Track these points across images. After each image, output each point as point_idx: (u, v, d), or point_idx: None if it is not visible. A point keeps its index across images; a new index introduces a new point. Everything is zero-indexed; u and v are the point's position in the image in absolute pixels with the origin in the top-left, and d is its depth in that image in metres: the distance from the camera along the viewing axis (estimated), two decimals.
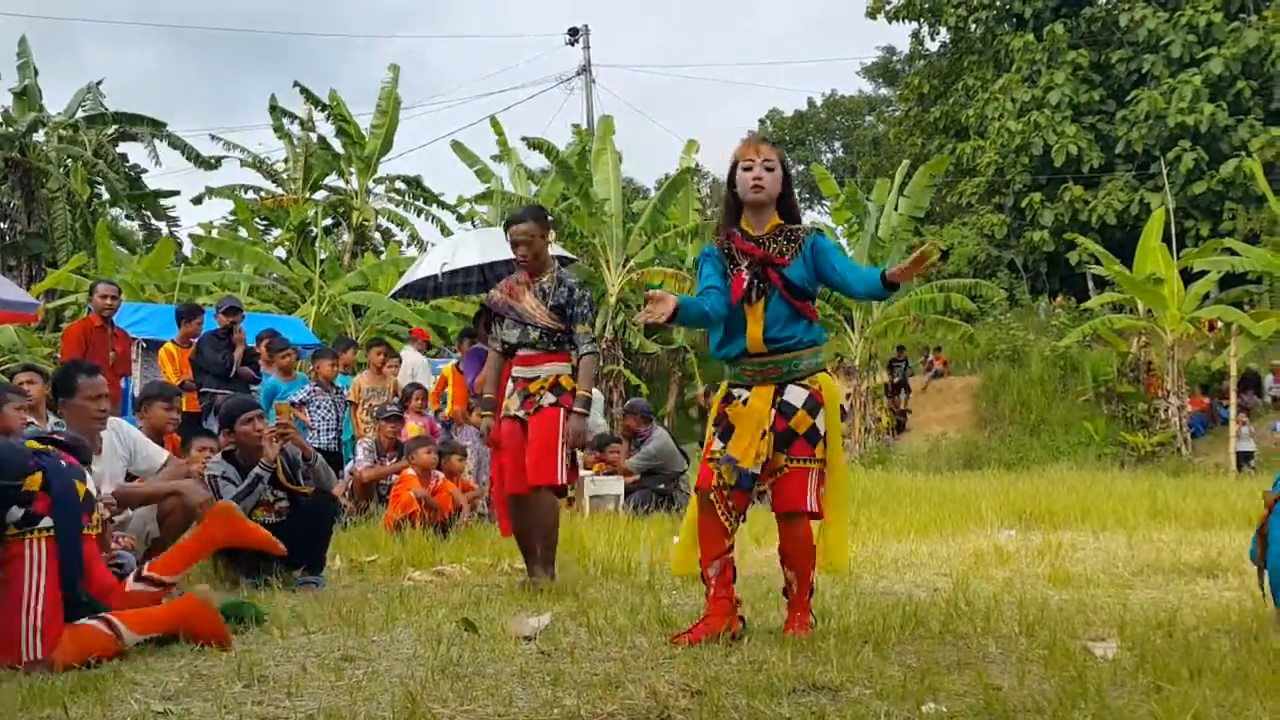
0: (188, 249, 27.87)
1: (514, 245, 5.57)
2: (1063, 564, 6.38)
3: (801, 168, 52.23)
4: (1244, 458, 19.13)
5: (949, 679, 3.37)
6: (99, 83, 28.11)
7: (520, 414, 5.46)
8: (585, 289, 5.61)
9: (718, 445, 4.12)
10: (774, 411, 4.11)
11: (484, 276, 10.83)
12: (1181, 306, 20.60)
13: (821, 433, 4.13)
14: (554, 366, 5.50)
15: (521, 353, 5.56)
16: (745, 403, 4.13)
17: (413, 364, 12.20)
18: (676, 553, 4.48)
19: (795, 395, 4.12)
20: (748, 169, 4.18)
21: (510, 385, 5.57)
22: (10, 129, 25.65)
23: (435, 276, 10.37)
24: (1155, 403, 21.46)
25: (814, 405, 4.13)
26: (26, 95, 25.92)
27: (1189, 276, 21.11)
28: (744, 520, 4.19)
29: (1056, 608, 4.75)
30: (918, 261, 3.86)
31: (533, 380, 5.48)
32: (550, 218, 5.86)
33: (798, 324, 4.14)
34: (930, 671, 3.41)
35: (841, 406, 16.40)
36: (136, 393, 10.14)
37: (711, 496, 4.05)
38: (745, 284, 4.15)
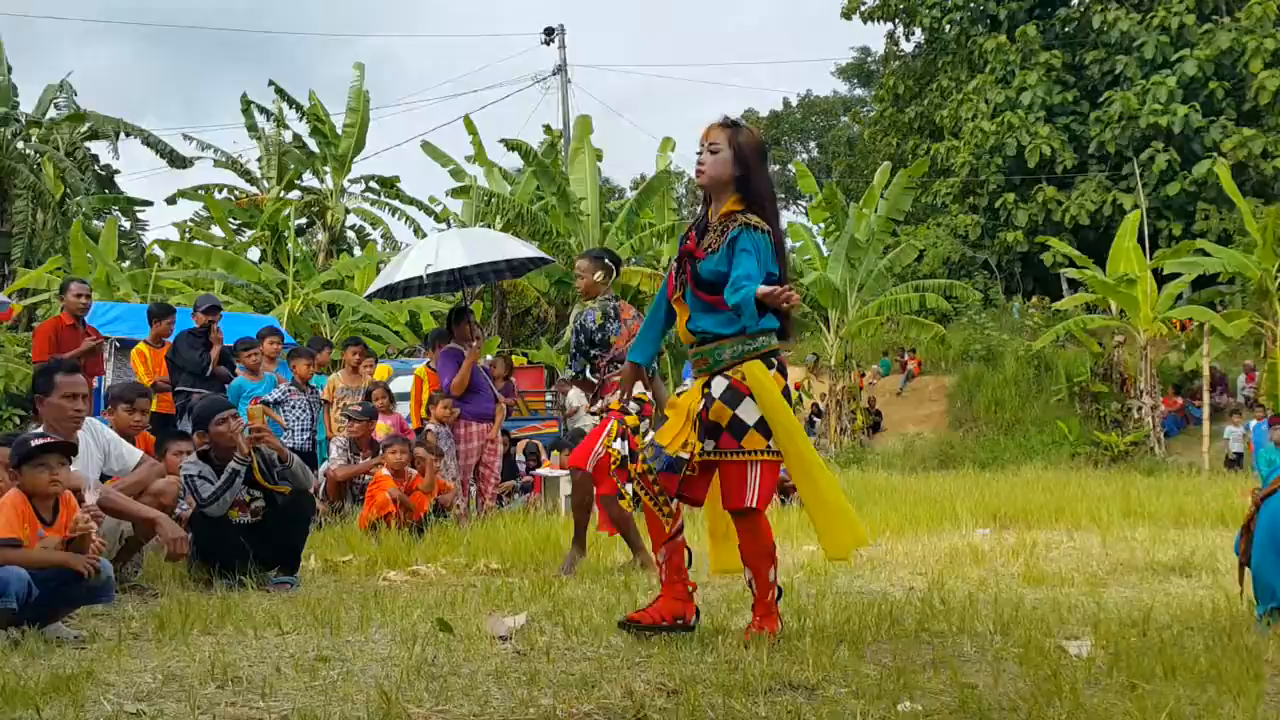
0: (157, 253, 27.66)
1: (576, 277, 6.46)
2: (1037, 563, 6.41)
3: (776, 167, 52.48)
4: (1235, 460, 19.07)
5: (924, 677, 3.38)
6: (68, 76, 27.93)
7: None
8: (584, 319, 6.24)
9: (649, 435, 4.17)
10: (701, 403, 4.04)
11: (463, 275, 10.73)
12: (1154, 307, 20.75)
13: (748, 424, 3.96)
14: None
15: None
16: (679, 394, 4.14)
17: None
18: (712, 551, 4.37)
19: (716, 386, 4.01)
20: (697, 153, 4.13)
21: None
22: None
23: (420, 278, 10.31)
24: (1128, 402, 21.61)
25: (733, 396, 3.97)
26: None
27: (1162, 277, 21.27)
28: (676, 503, 4.11)
29: (1031, 606, 4.77)
30: (776, 297, 3.77)
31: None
32: (608, 261, 6.42)
33: (710, 317, 4.04)
34: (906, 670, 3.42)
35: (816, 405, 16.44)
36: None
37: (636, 487, 4.08)
38: (675, 273, 4.16)
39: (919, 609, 4.59)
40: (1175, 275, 21.05)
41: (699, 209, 4.28)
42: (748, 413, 3.95)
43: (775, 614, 4.05)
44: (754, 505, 3.95)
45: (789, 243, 29.42)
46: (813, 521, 4.13)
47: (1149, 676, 3.34)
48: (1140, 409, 21.26)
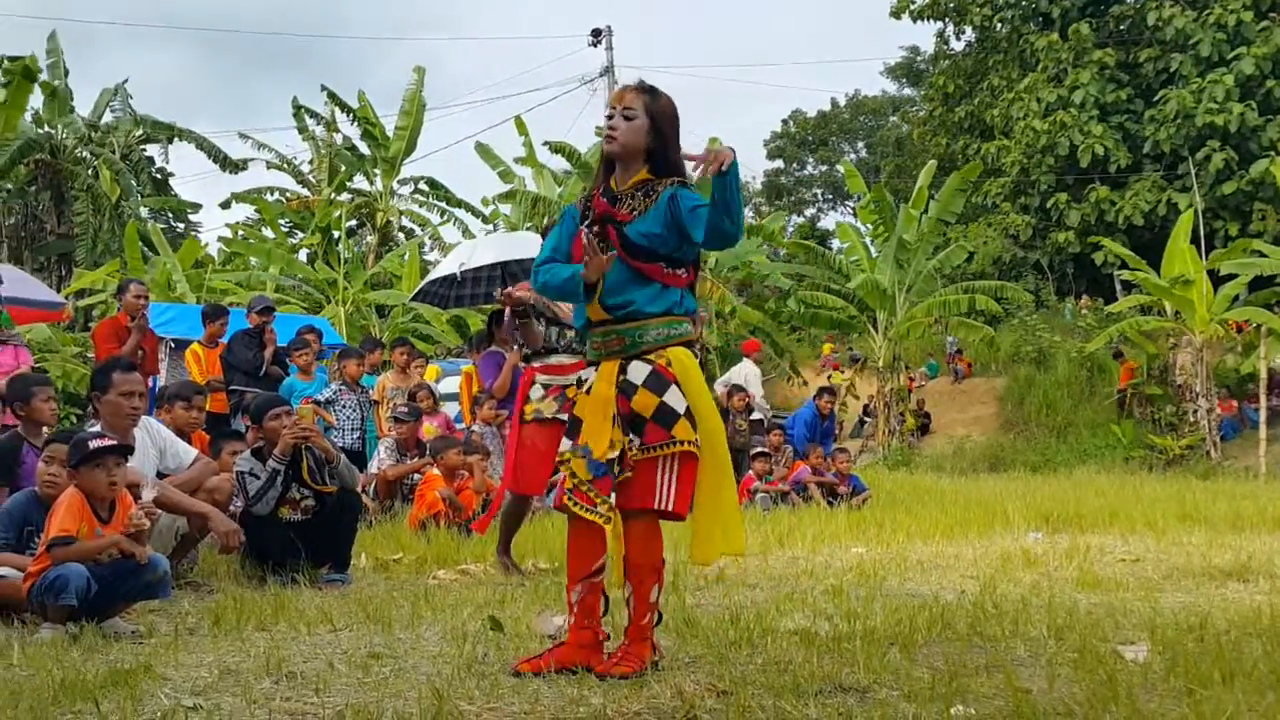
0: (214, 250, 28.11)
1: None
2: (1091, 567, 6.33)
3: (825, 168, 52.24)
4: None
5: (977, 681, 3.35)
6: (124, 82, 28.39)
7: (562, 416, 5.49)
8: None
9: (566, 445, 3.62)
10: (616, 392, 3.58)
11: (501, 276, 10.81)
12: (1210, 308, 20.43)
13: (678, 411, 3.53)
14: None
15: (553, 360, 5.62)
16: (589, 391, 3.63)
17: (746, 373, 13.68)
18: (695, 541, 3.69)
19: (636, 372, 3.57)
20: (609, 118, 3.69)
21: (538, 389, 5.48)
22: (41, 130, 25.87)
23: (454, 276, 10.36)
24: (1184, 405, 21.28)
25: (658, 382, 3.54)
26: (56, 97, 26.10)
27: (1218, 278, 20.93)
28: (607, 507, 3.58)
29: (1085, 611, 4.71)
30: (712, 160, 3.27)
31: (568, 387, 5.50)
32: None
33: (638, 290, 3.59)
34: (958, 674, 3.39)
35: (866, 406, 16.36)
36: None
37: (568, 501, 3.51)
38: (584, 241, 3.66)
39: (971, 612, 4.55)
40: (1231, 276, 20.71)
41: (597, 177, 3.81)
42: (675, 400, 3.53)
43: (648, 642, 3.58)
44: (666, 507, 3.51)
45: (835, 243, 29.08)
46: (697, 521, 3.61)
47: (1207, 682, 3.28)
48: (1196, 412, 20.93)
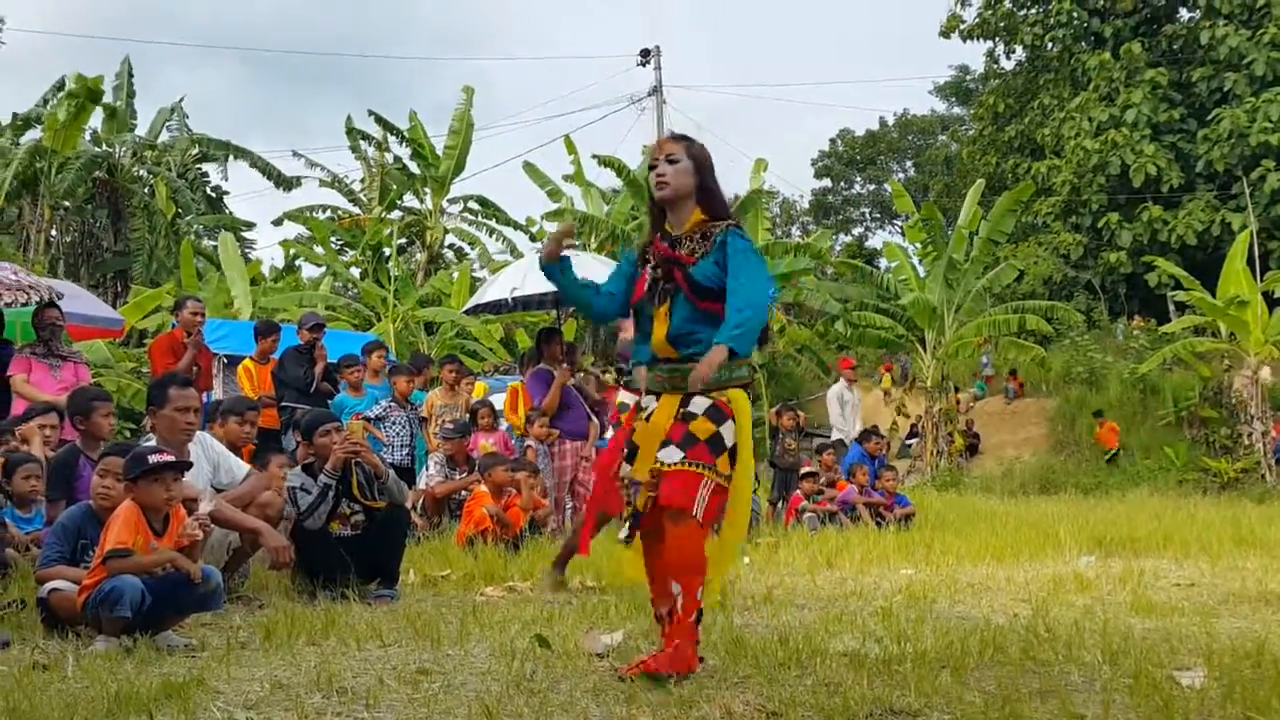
0: (270, 260, 28.50)
1: None
2: (1145, 592, 6.23)
3: (873, 186, 52.05)
4: None
5: (1031, 706, 3.30)
6: (181, 101, 28.87)
7: None
8: None
9: (625, 469, 3.81)
10: (674, 422, 3.75)
11: (554, 301, 10.91)
12: (1265, 330, 20.12)
13: (727, 445, 3.70)
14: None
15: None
16: (649, 419, 3.80)
17: (837, 394, 13.96)
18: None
19: (698, 404, 3.72)
20: (653, 168, 3.91)
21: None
22: (99, 149, 26.35)
23: (505, 301, 10.46)
24: (1238, 428, 20.93)
25: (718, 414, 3.70)
26: (115, 116, 26.58)
27: (1273, 300, 20.60)
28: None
29: (1140, 636, 4.64)
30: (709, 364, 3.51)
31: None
32: None
33: (705, 329, 3.73)
34: (1011, 699, 3.34)
35: (913, 427, 16.23)
36: None
37: (624, 525, 3.76)
38: (648, 282, 3.87)
39: (1023, 636, 4.49)
40: None
41: (649, 227, 4.05)
42: (728, 434, 3.71)
43: (693, 641, 3.73)
44: (699, 515, 3.63)
45: (884, 262, 28.88)
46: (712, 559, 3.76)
47: (1264, 709, 3.22)
48: (1251, 435, 20.59)
